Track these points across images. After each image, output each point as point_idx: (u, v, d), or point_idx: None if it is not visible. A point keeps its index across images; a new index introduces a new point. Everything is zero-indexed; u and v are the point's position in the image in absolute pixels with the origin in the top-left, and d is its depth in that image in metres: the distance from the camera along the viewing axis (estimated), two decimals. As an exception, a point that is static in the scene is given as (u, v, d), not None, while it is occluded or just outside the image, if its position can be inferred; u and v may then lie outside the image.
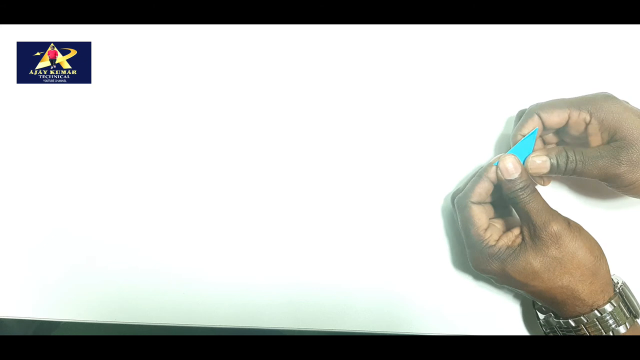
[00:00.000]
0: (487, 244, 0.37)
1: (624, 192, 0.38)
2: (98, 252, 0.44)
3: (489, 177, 0.38)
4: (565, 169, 0.38)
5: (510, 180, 0.37)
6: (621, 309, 0.36)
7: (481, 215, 0.38)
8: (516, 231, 0.38)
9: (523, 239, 0.37)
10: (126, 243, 0.44)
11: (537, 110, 0.38)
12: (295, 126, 0.45)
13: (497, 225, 0.40)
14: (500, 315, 0.44)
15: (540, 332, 0.41)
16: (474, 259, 0.39)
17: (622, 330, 0.36)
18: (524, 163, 0.38)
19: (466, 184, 0.40)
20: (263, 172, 0.45)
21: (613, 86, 0.44)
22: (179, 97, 0.45)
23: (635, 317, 0.37)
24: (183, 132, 0.45)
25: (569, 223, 0.37)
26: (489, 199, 0.40)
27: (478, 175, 0.39)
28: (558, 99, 0.39)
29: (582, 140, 0.39)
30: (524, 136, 0.39)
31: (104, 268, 0.44)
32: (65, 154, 0.45)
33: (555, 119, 0.38)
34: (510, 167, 0.37)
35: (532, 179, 0.38)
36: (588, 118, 0.37)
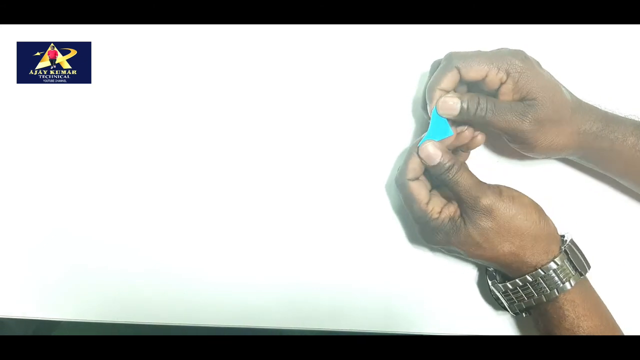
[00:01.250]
0: (430, 216, 0.38)
1: (525, 150, 0.40)
2: (98, 252, 0.44)
3: (418, 153, 0.39)
4: (475, 114, 0.38)
5: (434, 165, 0.38)
6: (566, 266, 0.37)
7: (420, 190, 0.39)
8: (456, 202, 0.39)
9: (461, 212, 0.38)
10: (126, 243, 0.44)
11: (456, 63, 0.38)
12: (295, 126, 0.45)
13: (438, 196, 0.41)
14: (500, 315, 0.44)
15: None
16: (421, 232, 0.40)
17: (567, 286, 0.37)
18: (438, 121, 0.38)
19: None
20: (263, 172, 0.45)
21: (613, 86, 0.44)
22: (179, 97, 0.45)
23: (584, 271, 0.38)
24: (183, 132, 0.45)
25: (500, 193, 0.38)
26: (423, 173, 0.40)
27: (409, 153, 0.39)
28: (476, 52, 0.38)
29: (494, 96, 0.40)
30: (442, 90, 0.38)
31: (104, 268, 0.44)
32: (65, 154, 0.45)
33: (473, 74, 0.38)
34: (431, 152, 0.38)
35: (455, 158, 0.38)
36: (505, 78, 0.38)
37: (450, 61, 0.38)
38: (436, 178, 0.38)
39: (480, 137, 0.41)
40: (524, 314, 0.40)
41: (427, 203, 0.39)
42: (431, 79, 0.39)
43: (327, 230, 0.44)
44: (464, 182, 0.37)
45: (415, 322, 0.44)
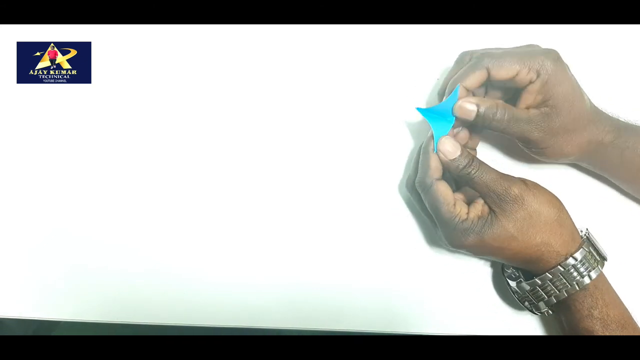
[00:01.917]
0: (460, 218, 0.37)
1: (534, 153, 0.40)
2: (98, 251, 0.44)
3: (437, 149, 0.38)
4: (490, 123, 0.37)
5: (454, 159, 0.37)
6: (593, 253, 0.37)
7: (447, 192, 0.38)
8: (481, 201, 0.38)
9: (490, 207, 0.37)
10: (126, 243, 0.44)
11: (487, 63, 0.37)
12: (295, 126, 0.45)
13: (460, 198, 0.40)
14: (500, 316, 0.44)
15: (520, 308, 0.41)
16: (449, 237, 0.38)
17: (594, 274, 0.37)
18: (451, 119, 0.38)
19: (415, 168, 0.39)
20: (262, 172, 0.45)
21: (613, 86, 0.44)
22: (179, 97, 0.45)
23: (605, 259, 0.38)
24: (183, 132, 0.45)
25: (525, 183, 0.37)
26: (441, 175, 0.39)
27: (424, 153, 0.38)
28: (508, 51, 0.38)
29: (514, 94, 0.39)
30: (466, 88, 0.37)
31: (104, 268, 0.44)
32: (65, 154, 0.45)
33: (504, 73, 0.37)
34: (450, 147, 0.37)
35: (473, 154, 0.38)
36: (534, 78, 0.37)
37: (480, 60, 0.37)
38: (458, 176, 0.37)
39: (476, 139, 0.41)
40: (548, 312, 0.39)
41: (454, 205, 0.38)
42: (456, 75, 0.38)
43: (327, 230, 0.44)
44: (489, 175, 0.37)
45: (415, 322, 0.44)
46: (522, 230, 0.37)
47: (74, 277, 0.44)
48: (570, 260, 0.37)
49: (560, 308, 0.39)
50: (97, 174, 0.45)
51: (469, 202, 0.39)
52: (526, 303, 0.40)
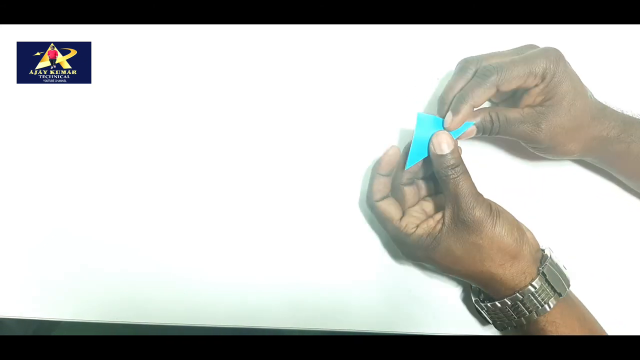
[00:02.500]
0: (405, 232, 0.38)
1: (538, 151, 0.40)
2: (98, 252, 0.44)
3: (379, 172, 0.39)
4: (490, 131, 0.38)
5: (442, 155, 0.36)
6: (545, 288, 0.37)
7: (390, 208, 0.39)
8: (437, 216, 0.38)
9: (444, 223, 0.37)
10: (126, 243, 0.44)
11: (494, 80, 0.36)
12: (295, 126, 0.45)
13: (415, 213, 0.40)
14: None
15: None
16: (402, 250, 0.40)
17: (547, 308, 0.36)
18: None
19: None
20: (263, 173, 0.45)
21: (613, 86, 0.44)
22: (179, 97, 0.45)
23: (559, 295, 0.37)
24: (183, 132, 0.45)
25: (490, 208, 0.37)
26: (387, 191, 0.40)
27: (371, 176, 0.40)
28: (512, 62, 0.37)
29: (515, 94, 0.39)
30: (473, 106, 0.36)
31: (104, 268, 0.44)
32: (65, 154, 0.45)
33: (514, 85, 0.37)
34: (444, 142, 0.36)
35: (462, 161, 0.37)
36: (539, 82, 0.37)
37: (487, 76, 0.36)
38: (437, 172, 0.37)
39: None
40: (509, 328, 0.39)
41: (400, 219, 0.39)
42: (462, 92, 0.37)
43: (327, 230, 0.44)
44: (464, 186, 0.36)
45: (415, 322, 0.44)
46: (470, 254, 0.37)
47: (74, 277, 0.44)
48: (517, 295, 0.36)
49: (518, 331, 0.39)
50: (97, 174, 0.45)
51: (426, 218, 0.39)
52: (483, 318, 0.41)
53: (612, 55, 0.45)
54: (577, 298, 0.39)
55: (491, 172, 0.39)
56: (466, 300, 0.44)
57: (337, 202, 0.44)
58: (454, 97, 0.37)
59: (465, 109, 0.37)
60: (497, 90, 0.37)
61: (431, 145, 0.37)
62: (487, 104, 0.42)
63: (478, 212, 0.36)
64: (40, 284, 0.44)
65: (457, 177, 0.36)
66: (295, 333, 0.45)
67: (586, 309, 0.39)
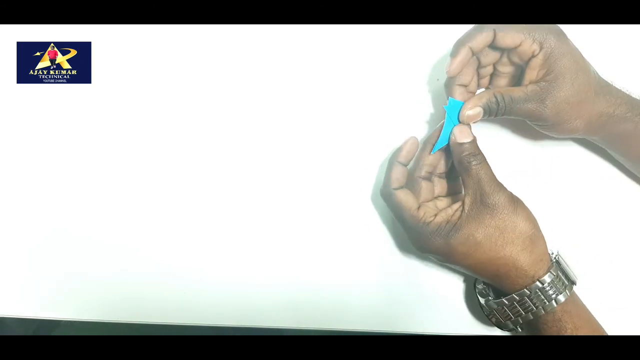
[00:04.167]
0: (424, 221, 0.38)
1: (544, 129, 0.40)
2: (98, 251, 0.44)
3: (399, 161, 0.39)
4: (497, 112, 0.38)
5: (462, 143, 0.37)
6: (561, 277, 0.37)
7: (407, 198, 0.39)
8: (455, 206, 0.38)
9: (463, 211, 0.37)
10: (126, 243, 0.44)
11: (494, 29, 0.37)
12: (295, 126, 0.45)
13: (430, 205, 0.40)
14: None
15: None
16: (416, 241, 0.39)
17: (562, 298, 0.36)
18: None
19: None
20: (263, 173, 0.45)
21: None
22: (179, 97, 0.45)
23: (573, 283, 0.37)
24: (183, 132, 0.45)
25: (512, 195, 0.37)
26: (405, 181, 0.40)
27: (389, 164, 0.40)
28: (516, 25, 0.38)
29: (517, 70, 0.40)
30: (471, 49, 0.37)
31: (104, 268, 0.44)
32: (65, 154, 0.45)
33: (509, 40, 0.37)
34: (465, 132, 0.38)
35: (481, 150, 0.38)
36: (537, 51, 0.37)
37: (487, 26, 0.37)
38: (458, 161, 0.38)
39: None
40: (518, 328, 0.39)
41: (418, 209, 0.38)
42: (463, 35, 0.38)
43: (327, 231, 0.44)
44: (486, 172, 0.37)
45: (416, 322, 0.44)
46: (491, 238, 0.36)
47: (74, 277, 0.44)
48: (537, 284, 0.36)
49: (528, 328, 0.39)
50: (97, 174, 0.45)
51: (441, 209, 0.39)
52: (493, 319, 0.40)
53: (612, 55, 0.45)
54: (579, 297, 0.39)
55: (495, 161, 0.39)
56: (467, 299, 0.44)
57: (337, 202, 0.44)
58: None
59: (463, 51, 0.37)
60: (495, 40, 0.37)
61: (452, 136, 0.38)
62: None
63: (502, 196, 0.36)
64: (40, 284, 0.44)
65: (478, 164, 0.37)
66: (295, 333, 0.45)
67: (588, 309, 0.39)
